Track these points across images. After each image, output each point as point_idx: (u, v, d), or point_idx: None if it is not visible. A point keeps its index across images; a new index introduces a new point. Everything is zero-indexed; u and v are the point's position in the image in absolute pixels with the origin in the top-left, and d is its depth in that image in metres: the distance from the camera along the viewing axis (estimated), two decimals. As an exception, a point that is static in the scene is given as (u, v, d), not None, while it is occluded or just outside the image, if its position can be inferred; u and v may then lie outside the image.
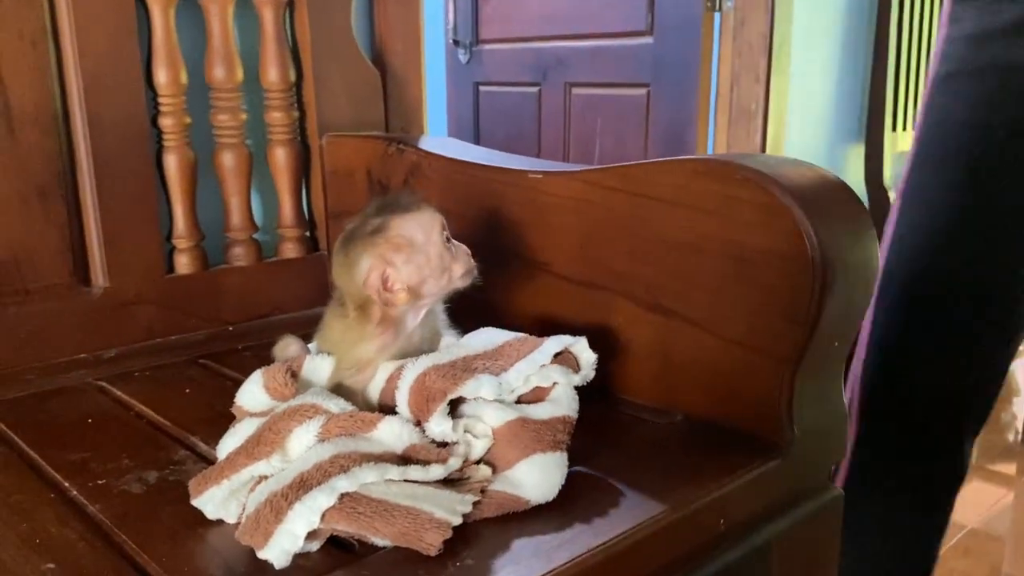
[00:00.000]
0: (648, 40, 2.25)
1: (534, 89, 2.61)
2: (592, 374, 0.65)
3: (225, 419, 0.66)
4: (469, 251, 0.65)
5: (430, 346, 0.67)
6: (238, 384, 0.67)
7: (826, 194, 0.66)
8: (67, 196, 0.87)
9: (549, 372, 0.61)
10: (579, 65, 2.44)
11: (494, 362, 0.62)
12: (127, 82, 0.89)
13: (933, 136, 0.92)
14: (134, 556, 0.53)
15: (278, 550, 0.50)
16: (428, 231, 0.62)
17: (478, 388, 0.59)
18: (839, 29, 2.32)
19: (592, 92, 2.44)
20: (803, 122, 2.25)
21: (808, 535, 0.70)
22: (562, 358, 0.63)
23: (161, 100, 0.92)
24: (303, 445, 0.56)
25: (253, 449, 0.56)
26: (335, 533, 0.53)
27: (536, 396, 0.61)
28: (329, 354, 0.65)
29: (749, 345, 0.67)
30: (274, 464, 0.55)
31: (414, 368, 0.60)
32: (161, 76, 0.92)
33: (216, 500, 0.56)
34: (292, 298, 1.03)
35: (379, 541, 0.52)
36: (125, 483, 0.62)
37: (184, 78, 0.93)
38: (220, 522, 0.56)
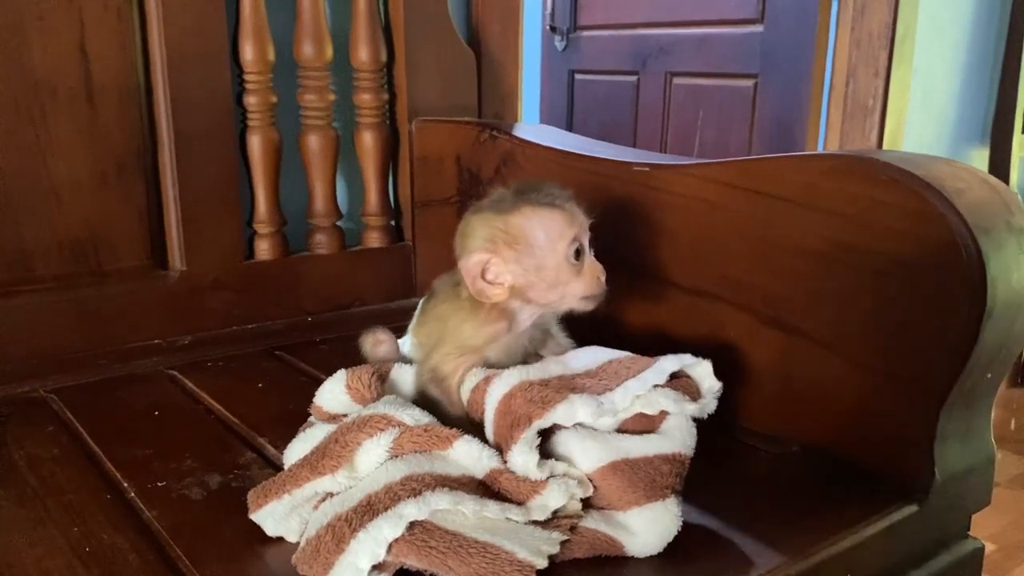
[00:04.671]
0: (758, 28, 2.13)
1: (632, 78, 2.50)
2: (713, 405, 0.55)
3: (297, 419, 0.61)
4: (603, 274, 0.57)
5: (536, 348, 0.60)
6: (312, 380, 0.63)
7: (986, 201, 0.56)
8: (146, 174, 0.83)
9: (657, 398, 0.52)
10: (682, 53, 2.33)
11: (597, 381, 0.53)
12: (212, 56, 0.84)
13: None
14: (186, 574, 0.48)
15: (339, 585, 0.44)
16: (553, 236, 0.55)
17: (572, 413, 0.50)
18: (968, 21, 2.14)
19: (694, 82, 2.32)
20: (923, 121, 2.09)
21: (943, 594, 0.61)
22: (678, 383, 0.54)
23: (247, 77, 0.88)
24: (373, 460, 0.50)
25: (318, 463, 0.50)
26: (405, 567, 0.47)
27: (644, 426, 0.52)
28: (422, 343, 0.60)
29: (885, 372, 0.58)
30: (340, 480, 0.50)
31: (500, 384, 0.53)
32: (248, 52, 0.87)
33: (276, 516, 0.51)
34: (374, 289, 0.98)
35: (453, 579, 0.45)
36: (185, 487, 0.58)
37: (272, 55, 0.89)
38: (281, 539, 0.51)
